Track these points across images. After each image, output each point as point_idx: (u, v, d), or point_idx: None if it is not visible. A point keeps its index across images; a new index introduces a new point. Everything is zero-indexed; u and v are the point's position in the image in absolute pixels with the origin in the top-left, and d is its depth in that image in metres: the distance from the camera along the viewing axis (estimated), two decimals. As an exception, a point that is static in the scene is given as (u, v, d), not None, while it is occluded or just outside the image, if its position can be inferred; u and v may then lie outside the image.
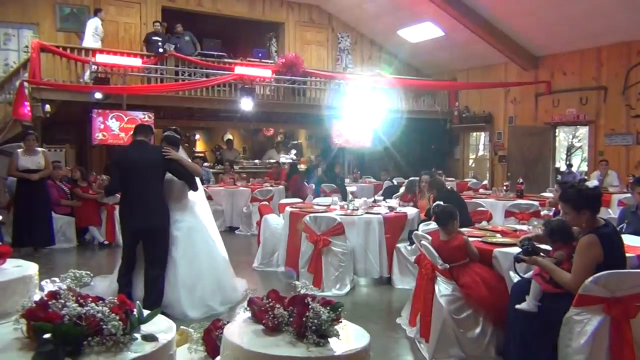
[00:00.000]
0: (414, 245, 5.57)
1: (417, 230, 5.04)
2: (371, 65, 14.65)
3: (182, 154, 5.19)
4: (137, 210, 4.72)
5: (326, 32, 14.63)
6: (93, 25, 10.90)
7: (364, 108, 12.58)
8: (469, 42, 12.43)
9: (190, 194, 5.10)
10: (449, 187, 6.83)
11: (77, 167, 9.24)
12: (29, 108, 9.06)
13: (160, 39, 11.19)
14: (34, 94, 9.42)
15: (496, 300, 3.79)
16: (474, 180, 12.82)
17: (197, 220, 5.15)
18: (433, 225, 4.70)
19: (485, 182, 13.07)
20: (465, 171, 14.83)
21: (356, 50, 14.92)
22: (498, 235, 4.54)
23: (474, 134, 15.03)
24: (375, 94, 12.75)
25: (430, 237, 4.32)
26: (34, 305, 1.87)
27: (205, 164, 12.65)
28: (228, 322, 2.21)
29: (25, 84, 9.19)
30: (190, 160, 5.32)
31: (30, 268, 2.46)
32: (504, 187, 8.88)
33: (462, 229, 4.56)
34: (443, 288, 3.94)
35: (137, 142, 4.88)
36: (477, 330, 3.80)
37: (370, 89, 12.71)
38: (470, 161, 15.27)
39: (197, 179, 5.13)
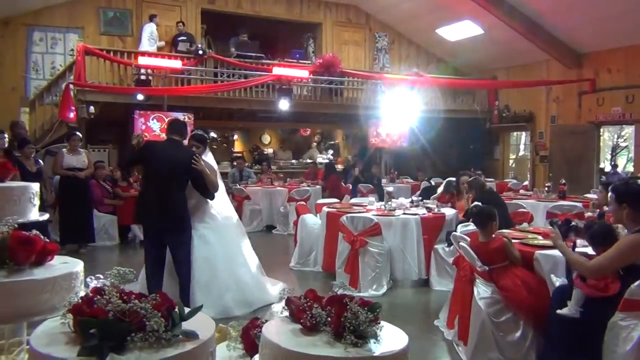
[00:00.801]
0: (452, 246, 5.51)
1: (455, 231, 4.99)
2: (409, 65, 14.54)
3: (208, 156, 5.19)
4: (156, 209, 4.65)
5: (364, 32, 14.58)
6: (149, 30, 11.34)
7: (401, 108, 12.50)
8: (510, 40, 12.19)
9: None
10: (488, 188, 6.72)
11: (118, 167, 9.47)
12: (74, 110, 9.37)
13: (185, 37, 11.53)
14: (79, 95, 9.72)
15: (537, 303, 3.71)
16: (515, 181, 12.57)
17: (214, 222, 5.11)
18: (472, 226, 4.63)
19: (526, 182, 12.79)
20: (505, 171, 14.56)
21: (394, 49, 14.83)
22: (539, 237, 4.45)
23: (515, 133, 14.73)
24: (413, 94, 12.65)
25: (468, 239, 4.27)
26: (80, 300, 1.92)
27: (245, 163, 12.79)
28: (266, 321, 2.23)
29: (71, 86, 9.49)
30: (216, 166, 5.27)
31: (77, 265, 2.53)
32: (546, 188, 8.69)
33: (503, 231, 4.49)
34: (482, 290, 3.88)
35: (170, 141, 4.84)
36: (517, 334, 3.72)
37: (407, 89, 12.62)
38: (511, 161, 14.98)
39: (221, 183, 5.15)
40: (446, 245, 5.99)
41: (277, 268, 6.80)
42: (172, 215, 4.68)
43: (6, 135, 6.97)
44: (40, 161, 7.48)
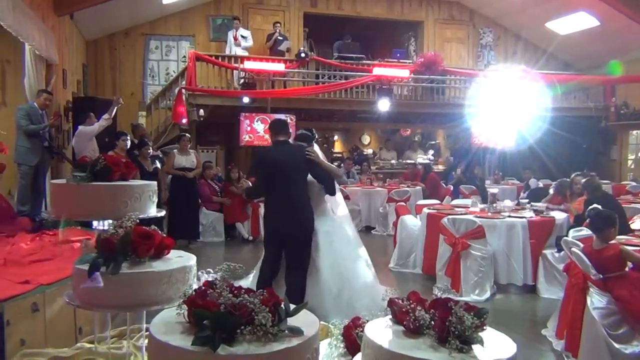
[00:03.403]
0: (562, 252, 5.22)
1: (566, 236, 4.71)
2: (515, 61, 13.92)
3: (316, 150, 5.03)
4: (283, 214, 4.55)
5: (467, 28, 14.18)
6: (232, 34, 11.76)
7: (507, 106, 12.01)
8: (629, 31, 11.30)
9: (328, 196, 4.93)
10: (603, 190, 6.27)
11: (236, 168, 9.80)
12: (186, 113, 9.96)
13: (281, 38, 11.84)
14: (190, 99, 10.32)
15: (660, 317, 3.42)
16: (634, 184, 11.61)
17: (335, 223, 4.96)
18: (585, 231, 4.37)
19: (647, 185, 11.79)
20: (622, 173, 13.51)
21: (499, 45, 14.30)
22: (663, 245, 4.11)
23: (634, 132, 13.61)
24: (520, 91, 12.08)
25: (581, 245, 4.02)
26: (194, 293, 2.04)
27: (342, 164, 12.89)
28: (368, 321, 2.24)
29: (183, 91, 10.11)
30: (328, 162, 5.15)
31: (190, 259, 2.68)
32: (670, 192, 7.98)
33: (619, 237, 4.20)
34: (596, 300, 3.65)
35: (280, 143, 4.77)
36: (638, 348, 3.45)
37: (514, 86, 12.07)
38: (629, 162, 13.86)
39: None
40: (556, 250, 5.69)
41: (376, 269, 6.72)
42: (297, 218, 4.58)
43: (128, 137, 7.55)
44: (157, 162, 8.00)
